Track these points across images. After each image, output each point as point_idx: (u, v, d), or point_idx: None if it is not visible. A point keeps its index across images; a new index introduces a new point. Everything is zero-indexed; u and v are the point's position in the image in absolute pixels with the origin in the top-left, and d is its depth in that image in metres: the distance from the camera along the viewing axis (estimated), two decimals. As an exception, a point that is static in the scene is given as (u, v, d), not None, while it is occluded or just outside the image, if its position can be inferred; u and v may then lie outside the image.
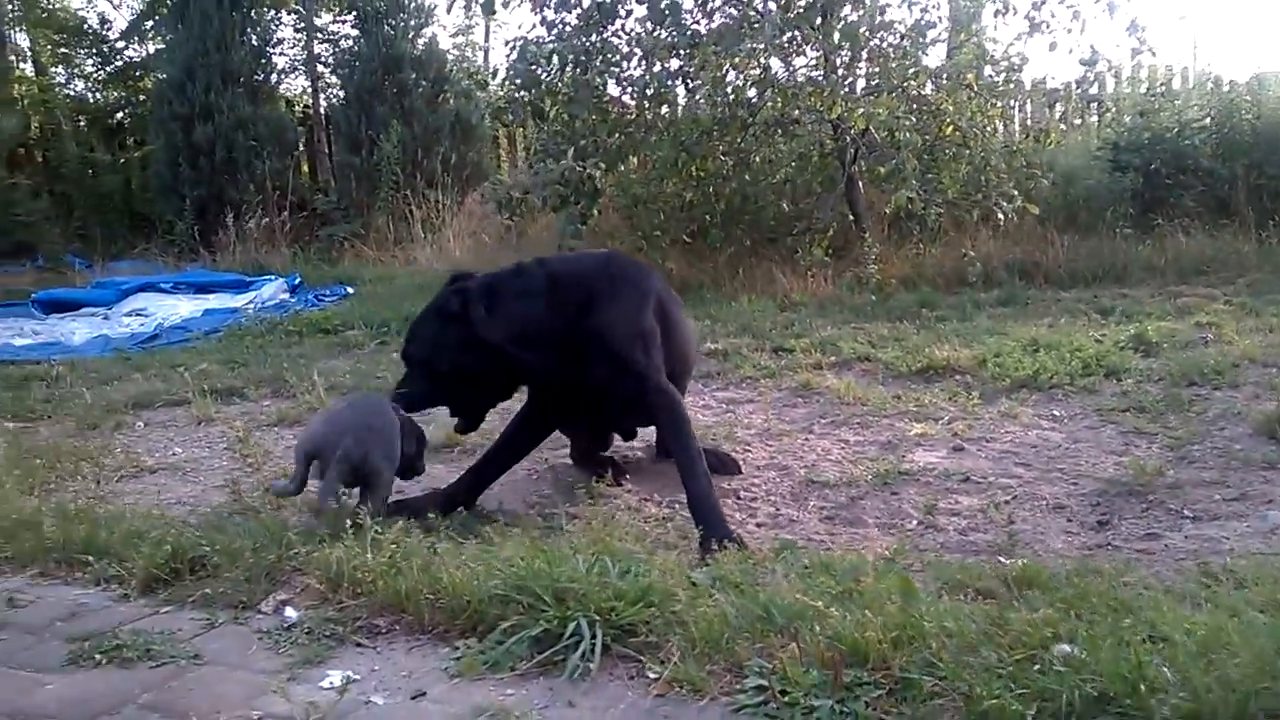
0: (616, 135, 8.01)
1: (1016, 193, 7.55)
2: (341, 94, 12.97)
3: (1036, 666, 1.91)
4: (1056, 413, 4.71)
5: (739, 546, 2.87)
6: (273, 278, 9.57)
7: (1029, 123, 9.50)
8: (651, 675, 2.08)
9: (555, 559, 2.34)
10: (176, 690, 2.14)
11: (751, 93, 7.45)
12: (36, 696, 2.15)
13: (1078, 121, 10.19)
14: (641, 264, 4.75)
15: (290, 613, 2.45)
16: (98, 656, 2.30)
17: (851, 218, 8.06)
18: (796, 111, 7.48)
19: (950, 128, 7.53)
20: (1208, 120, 9.54)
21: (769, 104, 7.44)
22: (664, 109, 8.07)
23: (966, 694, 1.87)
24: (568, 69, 7.78)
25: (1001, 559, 2.97)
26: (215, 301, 8.86)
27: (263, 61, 12.83)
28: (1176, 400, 4.68)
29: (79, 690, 2.16)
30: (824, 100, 7.48)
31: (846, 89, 7.56)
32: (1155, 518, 3.40)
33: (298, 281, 9.61)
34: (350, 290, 9.47)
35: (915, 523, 3.43)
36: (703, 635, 2.10)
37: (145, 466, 4.34)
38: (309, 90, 14.00)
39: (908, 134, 7.21)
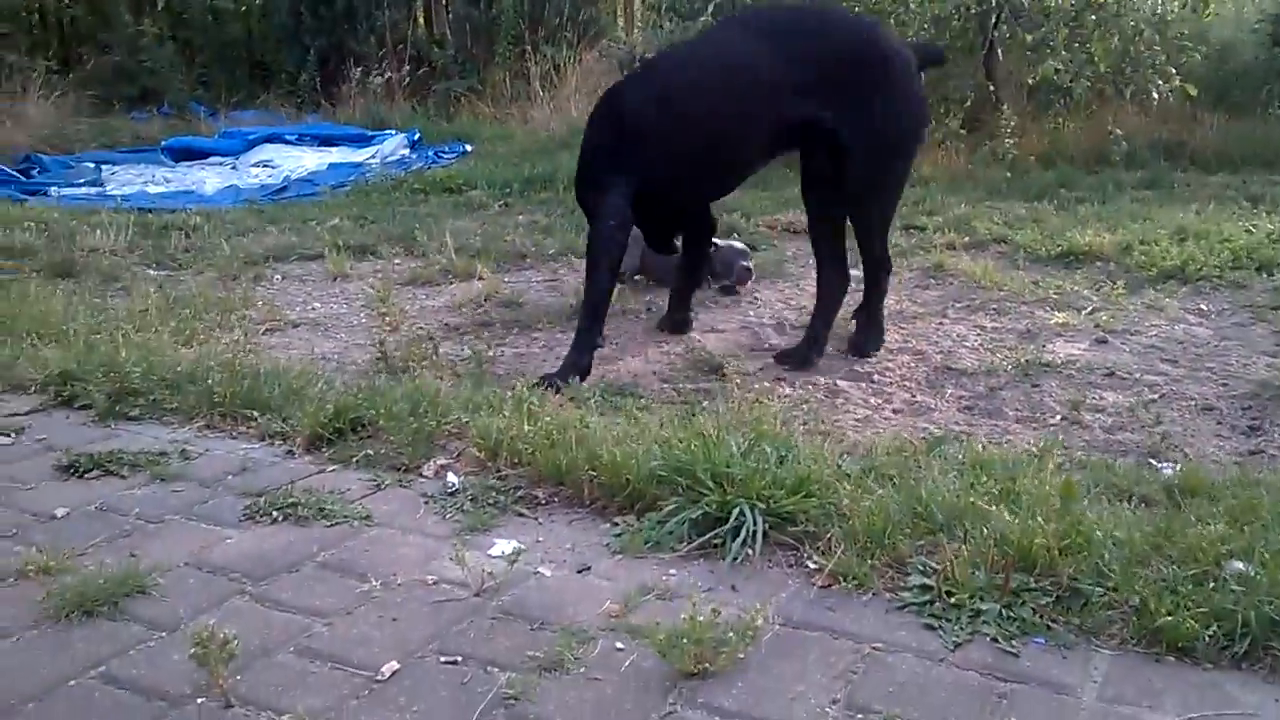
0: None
1: (1174, 70, 7.12)
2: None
3: (1211, 584, 1.88)
4: (1204, 307, 4.54)
5: None
6: (393, 133, 9.61)
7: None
8: (811, 565, 2.10)
9: (712, 442, 2.35)
10: (353, 550, 2.24)
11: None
12: (218, 550, 2.26)
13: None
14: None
15: (452, 478, 2.52)
16: (274, 513, 2.40)
17: (991, 87, 7.70)
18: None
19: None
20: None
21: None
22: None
23: (1138, 607, 1.86)
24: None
25: (1153, 461, 2.92)
26: (338, 155, 8.95)
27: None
28: (1335, 301, 4.48)
29: (258, 545, 2.27)
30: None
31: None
32: (1312, 428, 3.29)
33: (417, 137, 9.63)
34: (469, 148, 9.48)
35: (1059, 418, 3.36)
36: (864, 528, 2.10)
37: (288, 320, 4.47)
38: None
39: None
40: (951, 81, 7.50)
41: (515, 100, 11.10)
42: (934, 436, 2.83)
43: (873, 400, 3.56)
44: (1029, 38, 6.98)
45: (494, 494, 2.43)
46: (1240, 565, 1.95)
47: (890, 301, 4.64)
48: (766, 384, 3.65)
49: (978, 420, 3.36)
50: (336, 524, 2.35)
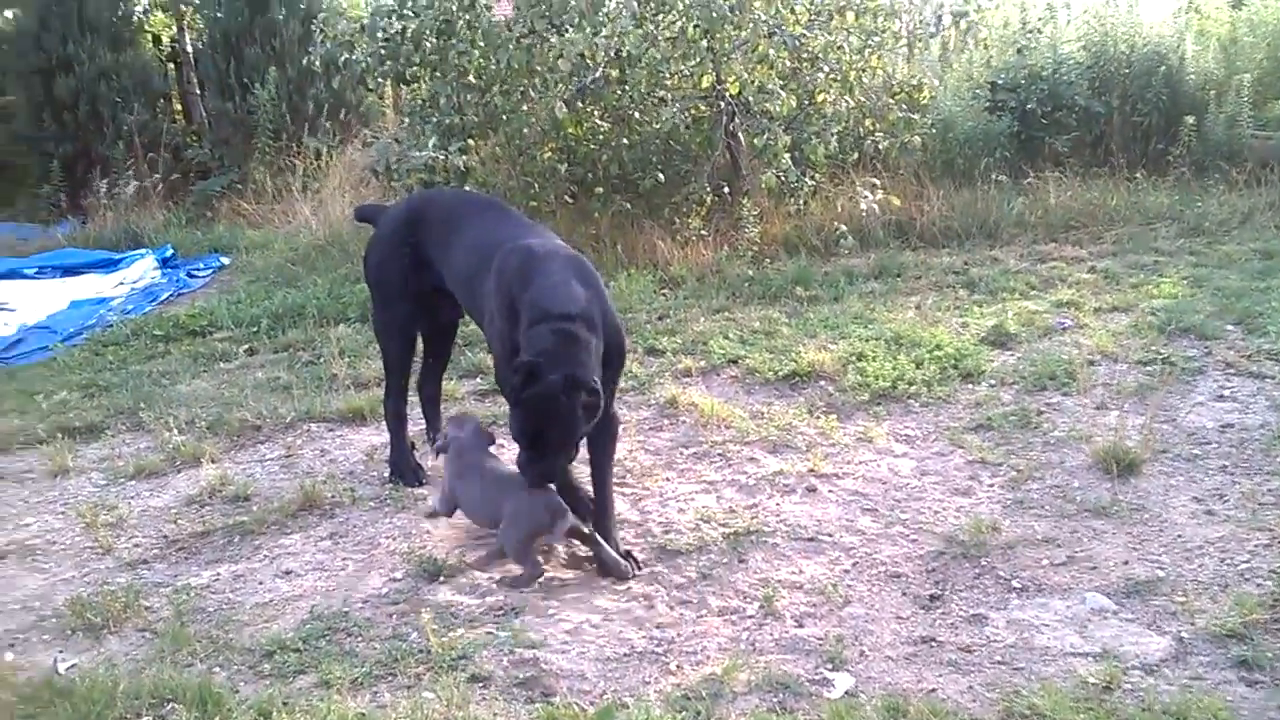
0: (483, 107, 7.71)
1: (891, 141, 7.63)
2: (207, 36, 12.30)
3: None
4: (910, 431, 4.82)
5: None
6: (142, 254, 9.23)
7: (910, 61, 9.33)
8: None
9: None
10: None
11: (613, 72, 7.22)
12: None
13: (957, 63, 10.07)
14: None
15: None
16: None
17: (726, 186, 7.97)
18: (662, 90, 7.35)
19: (820, 94, 7.44)
20: (1083, 53, 9.59)
21: (630, 84, 7.24)
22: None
23: None
24: (424, 41, 7.47)
25: (828, 673, 3.09)
26: (84, 286, 8.53)
27: (121, 3, 12.07)
28: (1024, 416, 4.82)
29: None
30: (694, 69, 7.38)
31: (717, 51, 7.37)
32: (985, 589, 3.54)
33: (169, 253, 9.29)
34: (225, 261, 9.22)
35: (757, 607, 3.51)
36: None
37: (-6, 551, 4.23)
38: (175, 28, 13.22)
39: (779, 104, 7.09)
40: (693, 181, 7.72)
41: (278, 198, 10.82)
42: (602, 708, 2.89)
43: (593, 600, 3.62)
44: (756, 141, 7.25)
45: None
46: None
47: (624, 450, 4.75)
48: (468, 601, 3.67)
49: (686, 614, 3.48)
50: None
